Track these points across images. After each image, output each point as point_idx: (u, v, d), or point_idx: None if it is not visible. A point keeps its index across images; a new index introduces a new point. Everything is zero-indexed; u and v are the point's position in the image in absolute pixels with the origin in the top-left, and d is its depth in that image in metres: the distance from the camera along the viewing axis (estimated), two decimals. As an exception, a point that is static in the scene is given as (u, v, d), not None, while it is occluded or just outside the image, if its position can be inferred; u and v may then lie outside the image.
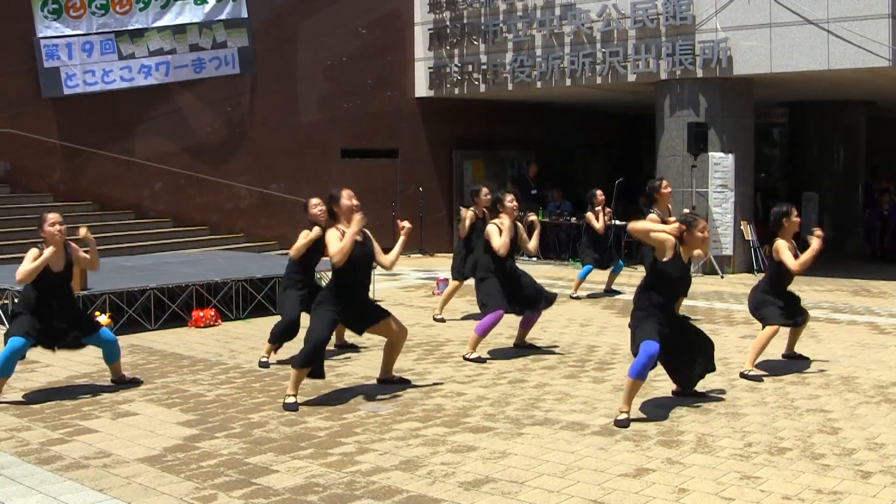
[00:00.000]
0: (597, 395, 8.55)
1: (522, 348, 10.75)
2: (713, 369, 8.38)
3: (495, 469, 6.43)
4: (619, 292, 15.42)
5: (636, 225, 8.09)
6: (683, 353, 8.04)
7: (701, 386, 8.61)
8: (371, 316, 8.66)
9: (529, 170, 23.05)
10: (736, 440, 7.11)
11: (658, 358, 7.73)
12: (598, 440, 7.12)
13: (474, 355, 10.12)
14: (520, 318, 10.65)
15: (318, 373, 8.36)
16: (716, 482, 6.13)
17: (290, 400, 8.14)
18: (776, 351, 10.08)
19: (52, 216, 8.59)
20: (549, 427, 7.50)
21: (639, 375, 7.61)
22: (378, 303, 9.00)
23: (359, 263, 8.41)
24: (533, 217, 10.77)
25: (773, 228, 9.58)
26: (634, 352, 7.79)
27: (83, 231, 8.71)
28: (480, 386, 8.96)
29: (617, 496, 5.88)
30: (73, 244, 8.74)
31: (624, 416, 7.56)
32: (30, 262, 8.33)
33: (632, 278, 15.49)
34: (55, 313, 8.51)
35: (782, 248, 9.37)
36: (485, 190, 12.81)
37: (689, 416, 7.82)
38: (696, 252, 8.07)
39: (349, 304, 8.44)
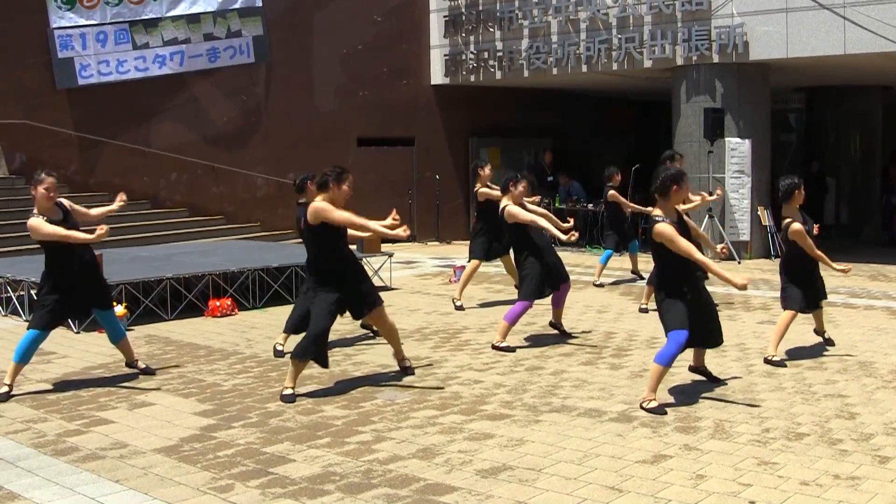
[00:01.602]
0: (614, 382, 8.53)
1: (557, 328, 10.78)
2: (721, 342, 8.23)
3: (512, 456, 6.42)
4: (642, 277, 15.29)
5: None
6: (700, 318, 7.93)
7: (718, 371, 8.60)
8: (369, 299, 8.44)
9: (545, 157, 23.01)
10: (753, 426, 7.08)
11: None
12: (616, 427, 7.10)
13: (504, 344, 10.10)
14: (550, 298, 10.60)
15: (322, 362, 8.21)
16: (733, 468, 6.12)
17: (288, 392, 8.01)
18: (795, 337, 10.04)
19: (49, 180, 8.32)
20: (567, 414, 7.49)
21: (667, 363, 7.61)
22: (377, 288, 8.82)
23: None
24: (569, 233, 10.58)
25: (783, 199, 9.34)
26: (665, 325, 7.74)
27: (122, 197, 9.42)
28: (498, 373, 8.95)
29: (634, 482, 5.87)
30: (64, 201, 8.60)
31: (654, 403, 7.54)
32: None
33: (650, 264, 15.39)
34: (77, 268, 8.41)
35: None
36: (488, 167, 12.72)
37: (706, 401, 7.79)
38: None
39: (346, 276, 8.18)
